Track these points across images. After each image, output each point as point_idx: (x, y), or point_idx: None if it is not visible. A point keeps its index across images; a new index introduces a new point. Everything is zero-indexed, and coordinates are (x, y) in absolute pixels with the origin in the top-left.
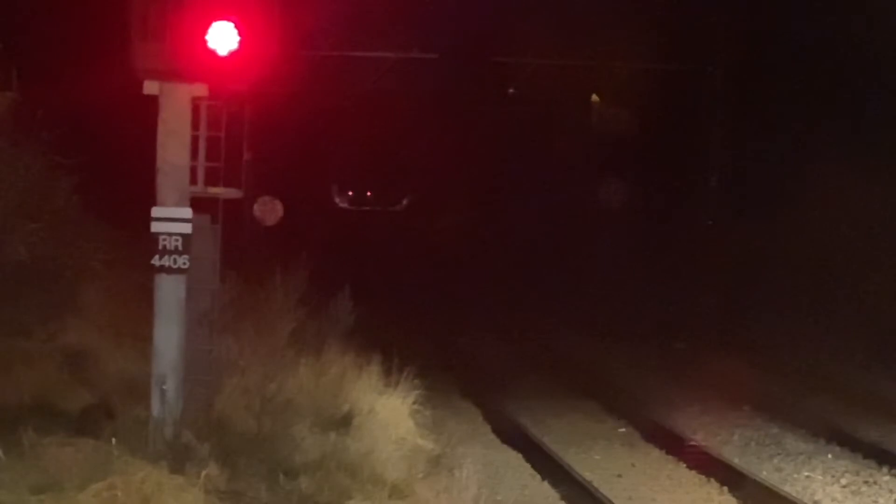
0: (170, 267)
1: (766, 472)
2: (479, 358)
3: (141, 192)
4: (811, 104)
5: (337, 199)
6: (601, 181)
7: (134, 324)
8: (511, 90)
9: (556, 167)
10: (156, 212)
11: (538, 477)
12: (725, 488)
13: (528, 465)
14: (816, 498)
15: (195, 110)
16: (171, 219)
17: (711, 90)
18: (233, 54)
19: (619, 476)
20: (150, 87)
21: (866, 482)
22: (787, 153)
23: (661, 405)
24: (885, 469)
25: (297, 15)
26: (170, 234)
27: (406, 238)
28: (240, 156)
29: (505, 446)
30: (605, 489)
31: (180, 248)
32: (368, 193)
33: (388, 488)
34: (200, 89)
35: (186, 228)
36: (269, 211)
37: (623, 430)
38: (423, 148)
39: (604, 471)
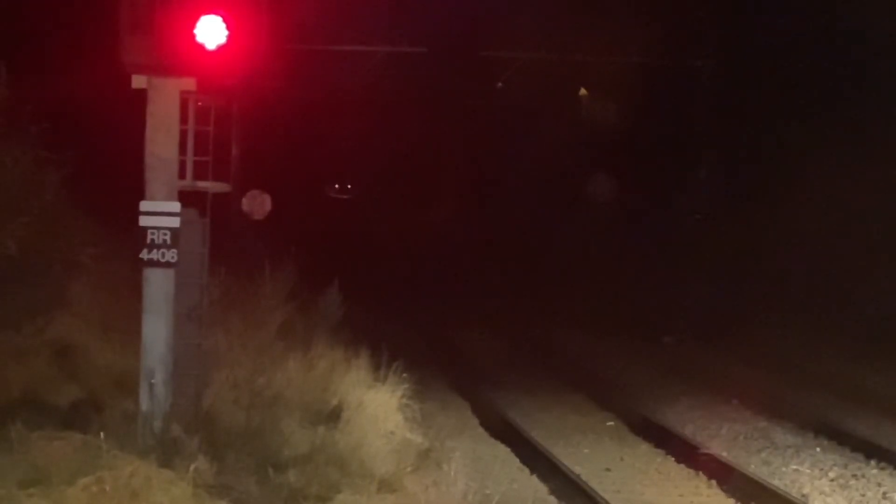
0: (158, 261)
1: (755, 465)
2: (468, 352)
3: (129, 187)
4: (801, 98)
5: (328, 191)
6: (589, 175)
7: (122, 318)
8: (500, 84)
9: (544, 161)
10: (144, 206)
11: (527, 471)
12: (714, 482)
13: (516, 459)
14: (805, 491)
15: (183, 104)
16: (160, 213)
17: (700, 84)
18: (221, 48)
19: (608, 470)
20: (138, 82)
21: (854, 476)
22: (776, 147)
23: (649, 399)
24: (872, 462)
25: (286, 9)
26: (158, 229)
27: (393, 234)
28: (228, 150)
29: (494, 440)
30: (593, 483)
31: (169, 242)
32: (349, 186)
33: (376, 482)
34: (189, 83)
35: (175, 222)
36: (257, 205)
37: (612, 423)
38: (412, 141)
39: (592, 464)
